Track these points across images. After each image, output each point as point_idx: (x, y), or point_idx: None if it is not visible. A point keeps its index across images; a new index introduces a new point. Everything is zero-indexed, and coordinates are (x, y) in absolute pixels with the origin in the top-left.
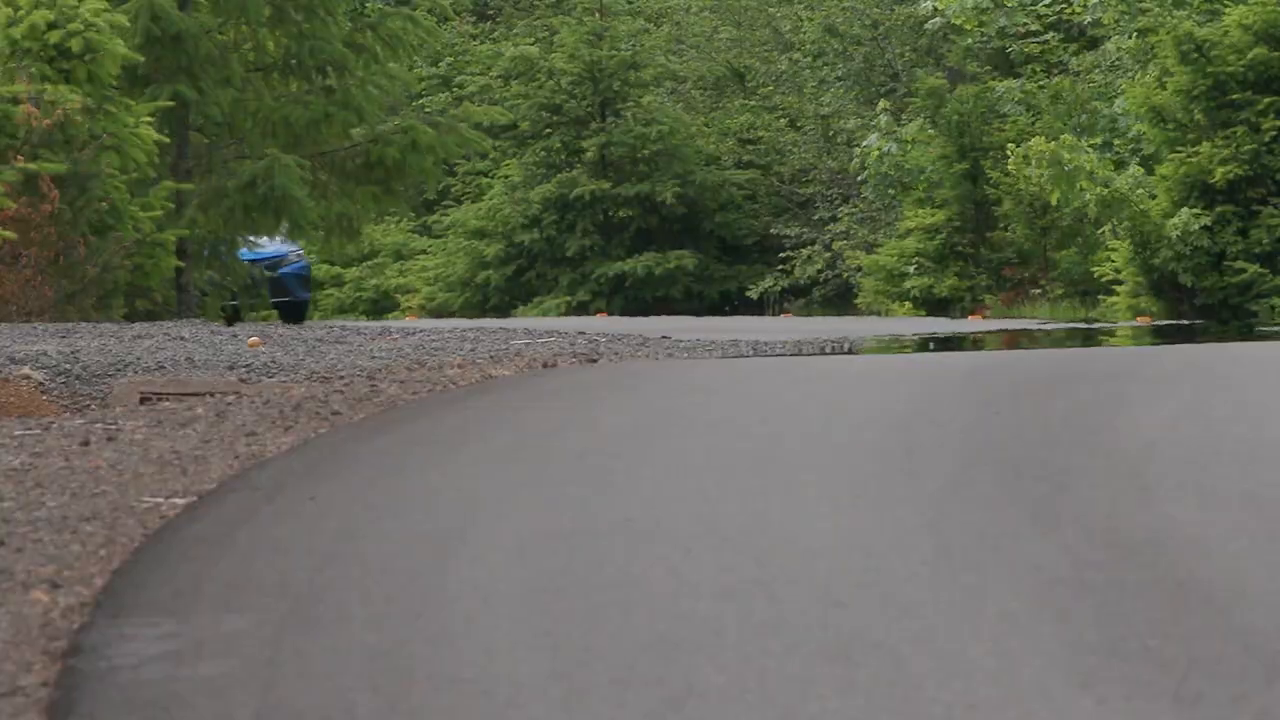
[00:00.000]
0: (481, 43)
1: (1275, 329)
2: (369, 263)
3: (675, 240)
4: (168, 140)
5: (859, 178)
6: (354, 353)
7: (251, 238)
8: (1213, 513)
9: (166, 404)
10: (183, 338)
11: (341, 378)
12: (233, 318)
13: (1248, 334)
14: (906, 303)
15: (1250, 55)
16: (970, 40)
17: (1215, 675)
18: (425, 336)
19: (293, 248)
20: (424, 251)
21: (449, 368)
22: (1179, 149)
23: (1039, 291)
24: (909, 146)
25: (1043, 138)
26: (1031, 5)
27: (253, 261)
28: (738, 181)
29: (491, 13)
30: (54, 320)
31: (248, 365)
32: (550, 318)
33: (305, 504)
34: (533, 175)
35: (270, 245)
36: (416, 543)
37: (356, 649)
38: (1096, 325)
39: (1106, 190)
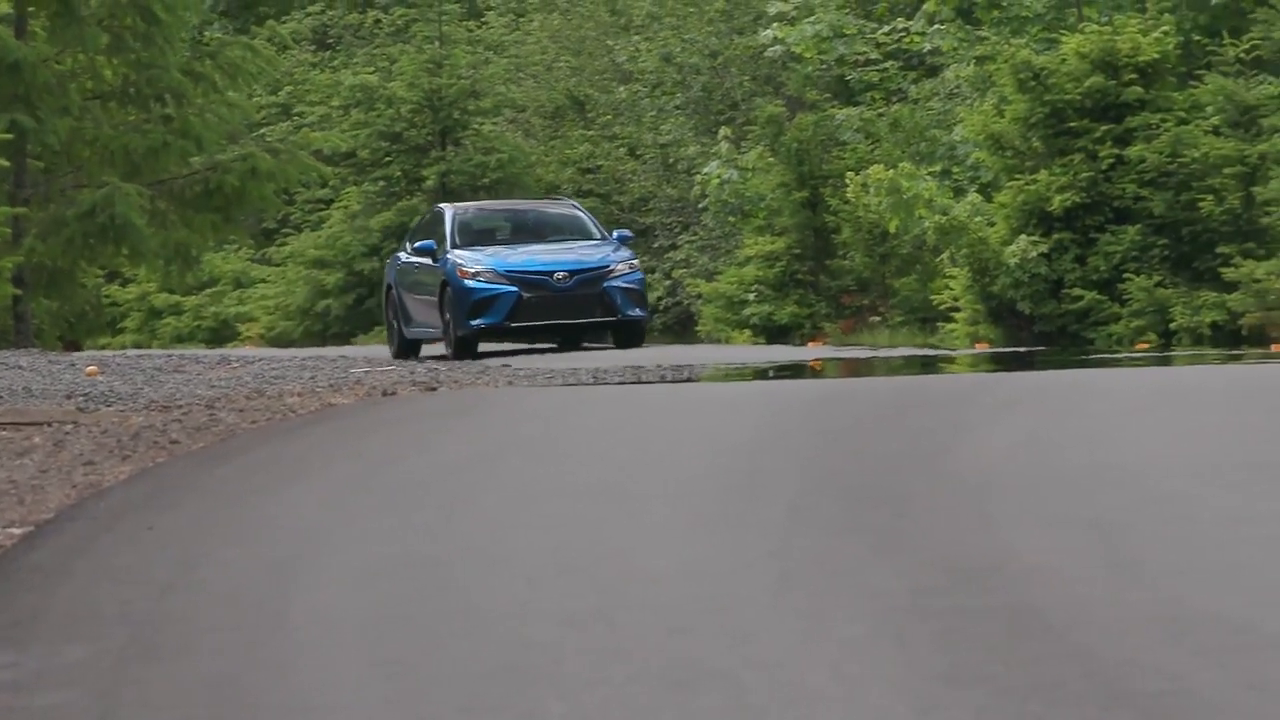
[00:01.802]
0: (321, 71)
1: (1111, 356)
2: (208, 291)
3: None
4: (6, 166)
5: (699, 205)
6: (193, 381)
7: (564, 243)
8: (1052, 539)
9: (3, 433)
10: (20, 366)
11: (180, 406)
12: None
13: (1084, 361)
14: (746, 330)
15: (1088, 83)
16: (810, 68)
17: (1055, 701)
18: (265, 365)
19: (625, 255)
20: (264, 280)
21: (289, 396)
22: (1017, 176)
23: (879, 319)
24: (749, 174)
25: (881, 166)
26: (871, 34)
27: (570, 273)
28: None
29: (331, 41)
30: None
31: (86, 394)
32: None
33: (144, 533)
34: (373, 204)
35: (596, 253)
36: (258, 571)
37: (197, 679)
38: (936, 352)
39: (945, 218)
